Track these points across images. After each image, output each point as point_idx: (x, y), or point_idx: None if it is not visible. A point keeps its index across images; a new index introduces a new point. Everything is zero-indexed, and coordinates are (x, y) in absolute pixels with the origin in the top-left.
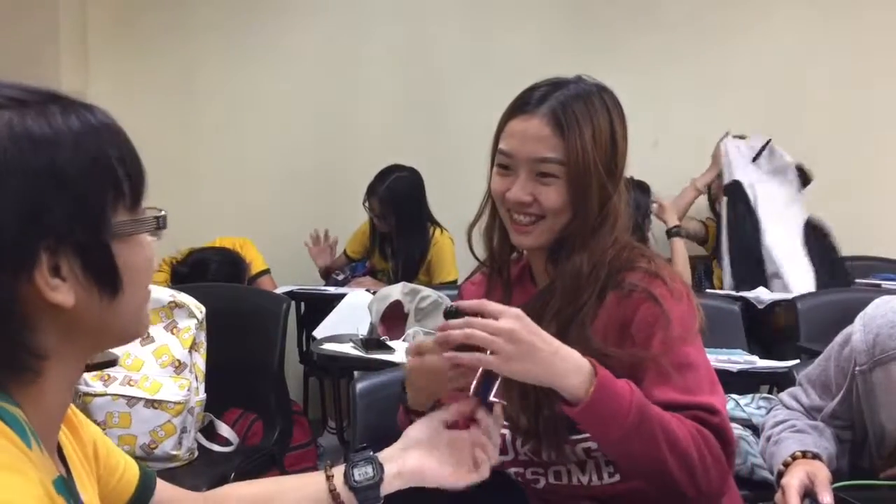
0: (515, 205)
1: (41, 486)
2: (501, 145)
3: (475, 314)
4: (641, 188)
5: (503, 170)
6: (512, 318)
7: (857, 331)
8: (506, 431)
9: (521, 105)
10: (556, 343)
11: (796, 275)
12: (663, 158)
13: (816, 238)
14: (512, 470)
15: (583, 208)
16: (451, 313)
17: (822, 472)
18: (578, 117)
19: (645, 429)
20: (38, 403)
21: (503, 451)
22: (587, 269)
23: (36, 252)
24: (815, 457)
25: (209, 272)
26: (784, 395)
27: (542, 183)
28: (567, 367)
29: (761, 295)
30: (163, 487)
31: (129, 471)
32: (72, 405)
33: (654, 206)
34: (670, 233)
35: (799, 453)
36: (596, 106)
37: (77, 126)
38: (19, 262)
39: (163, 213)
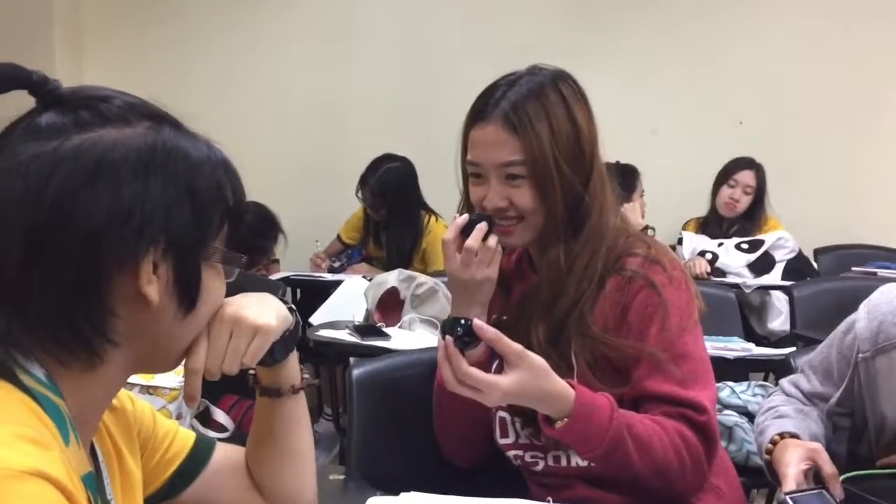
0: (493, 211)
1: (64, 469)
2: (469, 156)
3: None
4: (627, 171)
5: (476, 178)
6: (509, 383)
7: (862, 318)
8: (505, 414)
9: (477, 113)
10: (548, 389)
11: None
12: (662, 146)
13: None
14: (511, 453)
15: (551, 203)
16: (465, 332)
17: (823, 455)
18: (531, 115)
19: (619, 453)
20: (85, 396)
21: (504, 434)
22: (564, 261)
23: (150, 245)
24: (793, 437)
25: (244, 220)
26: (784, 382)
27: (513, 185)
28: (548, 406)
29: (748, 280)
30: (225, 452)
31: (179, 442)
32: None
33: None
34: None
35: (777, 437)
36: (550, 98)
37: (211, 155)
38: (134, 248)
39: (245, 258)
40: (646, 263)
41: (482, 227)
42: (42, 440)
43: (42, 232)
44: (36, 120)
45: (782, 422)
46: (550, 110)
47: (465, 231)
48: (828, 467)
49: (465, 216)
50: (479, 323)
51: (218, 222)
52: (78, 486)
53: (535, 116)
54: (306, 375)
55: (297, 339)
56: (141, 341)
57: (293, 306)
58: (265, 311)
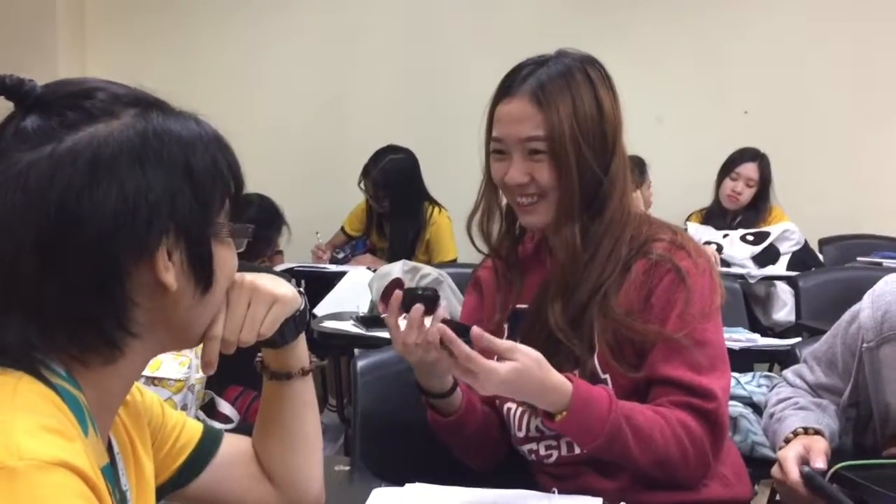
0: (515, 187)
1: (87, 460)
2: (494, 132)
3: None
4: (636, 163)
5: (499, 154)
6: (507, 370)
7: (866, 307)
8: (525, 407)
9: (505, 89)
10: (543, 381)
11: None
12: (667, 136)
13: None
14: (526, 447)
15: (568, 181)
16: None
17: (818, 443)
18: (557, 92)
19: (618, 444)
20: (103, 388)
21: (519, 428)
22: (580, 241)
23: (162, 233)
24: (817, 433)
25: (249, 212)
26: (788, 373)
27: (535, 161)
28: (546, 398)
29: (752, 270)
30: (233, 442)
31: (187, 433)
32: None
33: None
34: None
35: (801, 429)
36: (577, 79)
37: (202, 132)
38: (147, 240)
39: (251, 227)
40: (672, 248)
41: (416, 313)
42: (66, 431)
43: (52, 240)
44: (21, 125)
45: (805, 414)
46: (576, 90)
47: (406, 307)
48: (814, 452)
49: (399, 294)
50: (477, 331)
51: (220, 198)
52: (99, 476)
53: (560, 94)
54: (314, 358)
55: (307, 322)
56: (162, 327)
57: (302, 290)
58: (281, 285)
